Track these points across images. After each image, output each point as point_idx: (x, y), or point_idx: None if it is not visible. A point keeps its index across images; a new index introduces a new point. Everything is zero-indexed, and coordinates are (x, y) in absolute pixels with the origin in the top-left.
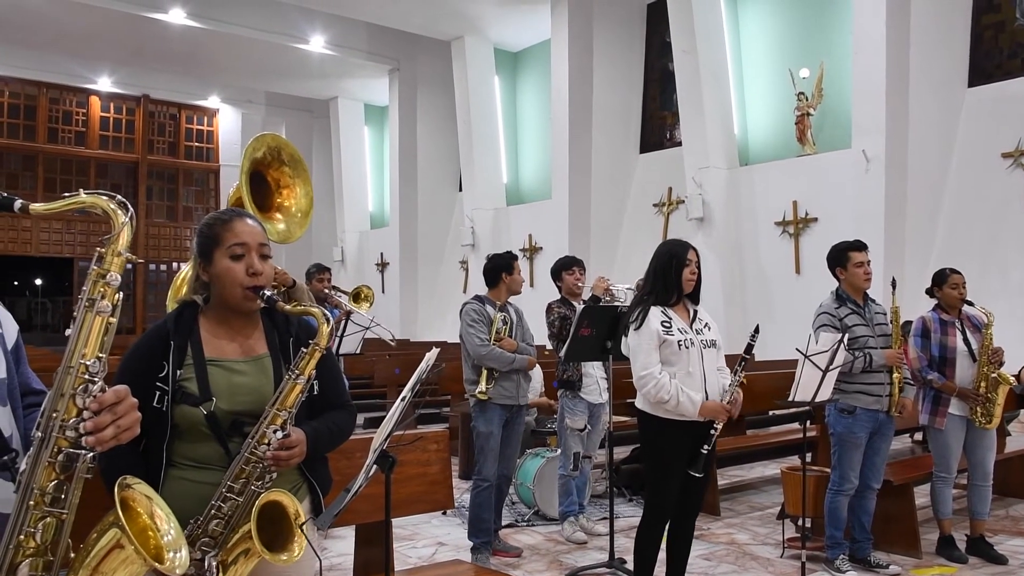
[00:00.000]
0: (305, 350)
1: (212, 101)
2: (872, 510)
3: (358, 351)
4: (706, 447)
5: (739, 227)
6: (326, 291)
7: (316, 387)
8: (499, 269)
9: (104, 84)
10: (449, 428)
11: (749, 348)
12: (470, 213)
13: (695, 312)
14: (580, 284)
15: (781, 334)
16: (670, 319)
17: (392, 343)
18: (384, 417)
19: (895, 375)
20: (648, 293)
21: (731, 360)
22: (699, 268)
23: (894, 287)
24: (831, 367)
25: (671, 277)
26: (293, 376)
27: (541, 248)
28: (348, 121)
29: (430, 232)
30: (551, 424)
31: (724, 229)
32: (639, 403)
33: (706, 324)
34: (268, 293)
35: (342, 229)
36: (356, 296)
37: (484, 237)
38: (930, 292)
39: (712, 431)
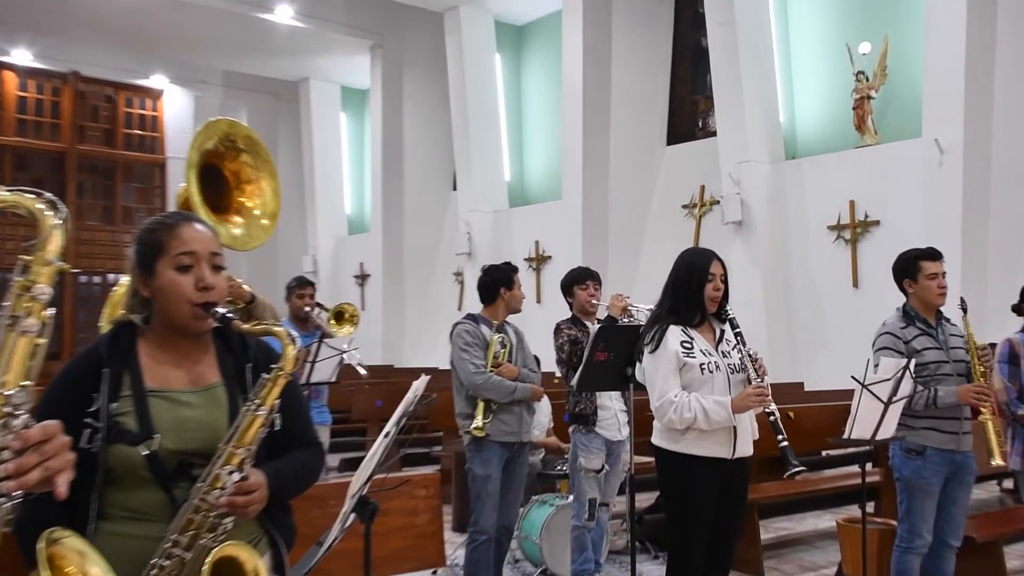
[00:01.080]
0: (266, 377)
1: (157, 80)
2: (951, 573)
3: (333, 379)
4: (781, 438)
5: (785, 232)
6: (307, 309)
7: (278, 421)
8: (497, 283)
9: (22, 57)
10: (440, 470)
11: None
12: (466, 216)
13: (722, 332)
14: (595, 301)
15: (836, 359)
16: (691, 340)
17: (363, 373)
18: (364, 457)
19: (984, 412)
20: (667, 311)
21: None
22: (726, 282)
23: (964, 310)
24: (895, 398)
25: (692, 294)
26: (252, 408)
27: (549, 258)
28: (322, 106)
29: (419, 239)
30: (561, 466)
31: (767, 235)
32: (656, 439)
33: (735, 346)
34: (222, 311)
35: (314, 235)
36: (339, 315)
37: (482, 245)
38: (1018, 309)
39: (779, 437)
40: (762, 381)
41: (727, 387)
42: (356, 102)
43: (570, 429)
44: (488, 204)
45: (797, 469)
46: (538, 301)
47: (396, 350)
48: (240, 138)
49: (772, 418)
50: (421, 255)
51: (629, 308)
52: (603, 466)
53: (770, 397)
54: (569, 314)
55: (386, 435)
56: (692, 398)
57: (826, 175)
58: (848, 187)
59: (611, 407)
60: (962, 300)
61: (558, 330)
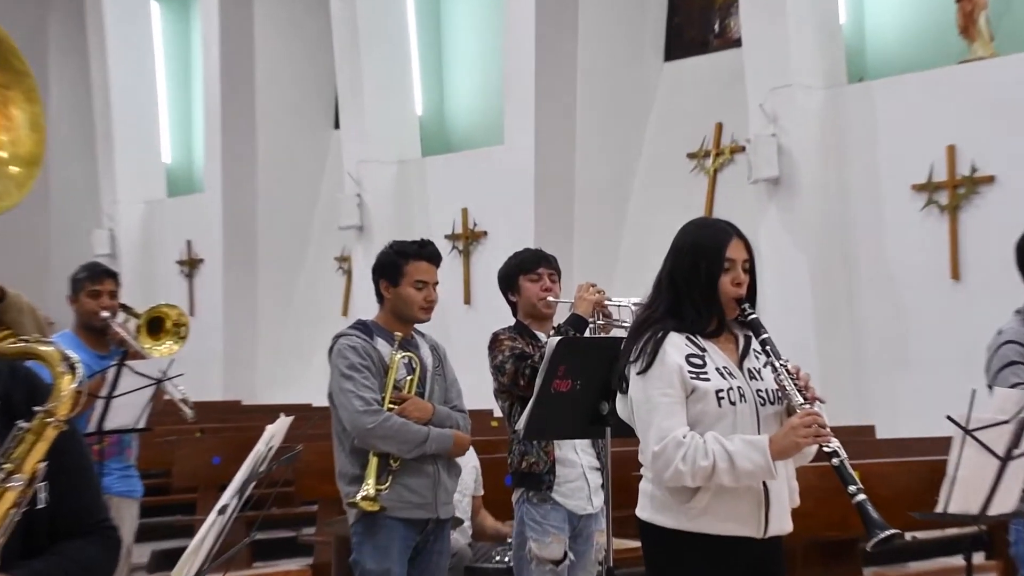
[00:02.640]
0: (25, 426)
1: None
2: None
3: (143, 424)
4: (855, 489)
5: (847, 195)
6: (104, 315)
7: (43, 496)
8: (395, 272)
9: None
10: (313, 566)
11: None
12: (355, 169)
13: (747, 343)
14: (550, 299)
15: (924, 390)
16: (702, 353)
17: (189, 414)
18: (188, 547)
19: None
20: (664, 312)
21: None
22: (752, 271)
23: None
24: (1016, 451)
25: (701, 289)
26: (1, 476)
27: (484, 235)
28: (122, 1)
29: (281, 204)
30: (501, 557)
31: (819, 199)
32: (646, 511)
33: (767, 363)
34: None
35: (112, 198)
36: (154, 324)
37: (381, 213)
38: None
39: (850, 488)
40: (812, 406)
41: (755, 426)
42: None
43: (514, 497)
44: (389, 151)
45: (888, 533)
46: (466, 301)
47: (245, 378)
48: None
49: (836, 460)
50: (284, 230)
51: (607, 305)
52: (565, 555)
53: (828, 429)
54: (512, 320)
55: (222, 511)
56: (710, 438)
57: (911, 107)
58: (946, 125)
59: (577, 463)
60: None
61: (496, 342)
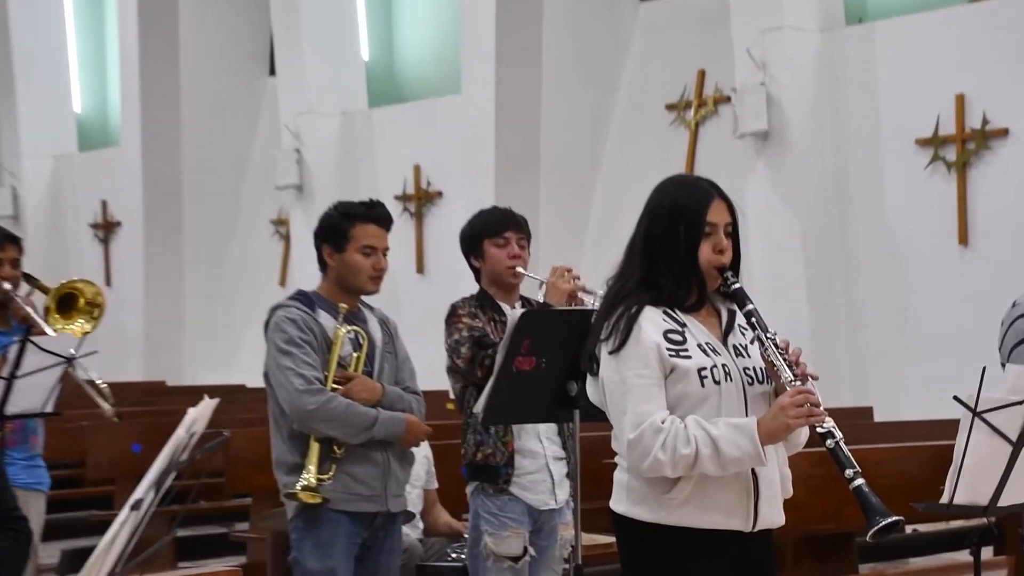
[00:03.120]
0: None
1: None
2: None
3: (48, 408)
4: (852, 472)
5: (843, 150)
6: (5, 287)
7: None
8: (340, 236)
9: None
10: (246, 566)
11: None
12: (293, 122)
13: (731, 318)
14: (520, 270)
15: (928, 369)
16: (682, 328)
17: (108, 407)
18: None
19: None
20: (637, 283)
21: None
22: (736, 235)
23: None
24: None
25: (679, 256)
26: None
27: (439, 195)
28: None
29: (209, 160)
30: (458, 554)
31: (813, 155)
32: (621, 504)
33: (754, 338)
34: None
35: (13, 152)
36: (65, 301)
37: (323, 171)
38: None
39: (847, 472)
40: (804, 383)
41: (742, 407)
42: None
43: (469, 490)
44: (332, 101)
45: (890, 521)
46: (419, 270)
47: (169, 357)
48: None
49: (831, 442)
50: (213, 190)
51: (580, 295)
52: (525, 550)
53: (822, 408)
54: (474, 288)
55: (136, 506)
56: (692, 423)
57: (916, 51)
58: (954, 72)
59: (539, 453)
60: None
61: (453, 317)
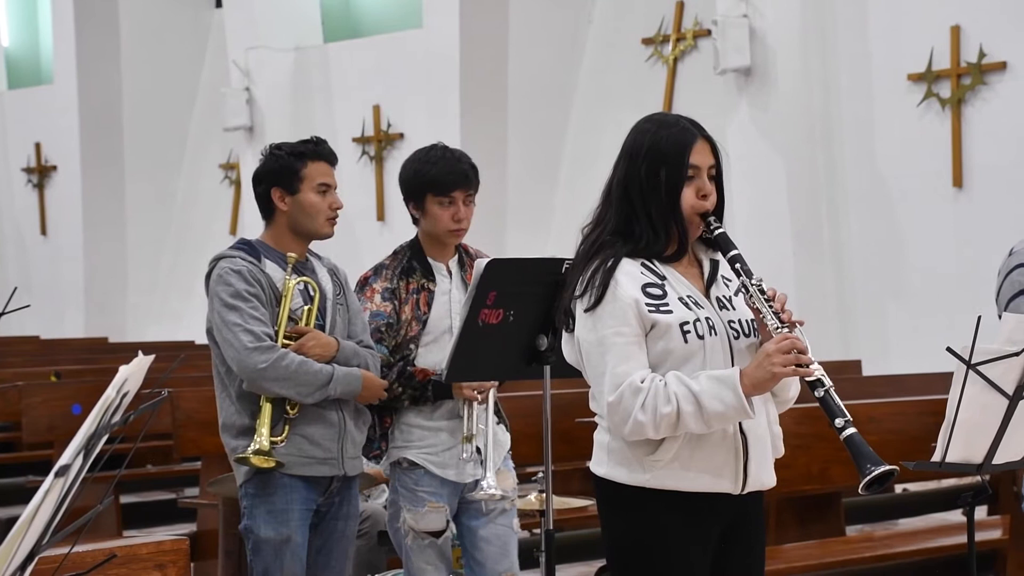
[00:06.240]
0: None
1: None
2: None
3: None
4: (843, 422)
5: (831, 87)
6: None
7: None
8: (291, 177)
9: None
10: (194, 535)
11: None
12: (242, 58)
13: (714, 268)
14: (463, 226)
15: (919, 321)
16: (662, 281)
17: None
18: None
19: None
20: (612, 232)
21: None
22: (719, 179)
23: None
24: None
25: (658, 202)
26: None
27: (400, 137)
28: None
29: (151, 99)
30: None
31: (798, 92)
32: (602, 466)
33: (739, 289)
34: None
35: None
36: None
37: (275, 111)
38: None
39: (836, 421)
40: (791, 330)
41: (728, 362)
42: None
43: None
44: (284, 36)
45: (883, 470)
46: (379, 218)
47: (112, 311)
48: None
49: (820, 391)
50: (157, 131)
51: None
52: (447, 524)
53: (810, 355)
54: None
55: (61, 473)
56: (672, 379)
57: None
58: (948, 1)
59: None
60: None
61: (368, 289)
